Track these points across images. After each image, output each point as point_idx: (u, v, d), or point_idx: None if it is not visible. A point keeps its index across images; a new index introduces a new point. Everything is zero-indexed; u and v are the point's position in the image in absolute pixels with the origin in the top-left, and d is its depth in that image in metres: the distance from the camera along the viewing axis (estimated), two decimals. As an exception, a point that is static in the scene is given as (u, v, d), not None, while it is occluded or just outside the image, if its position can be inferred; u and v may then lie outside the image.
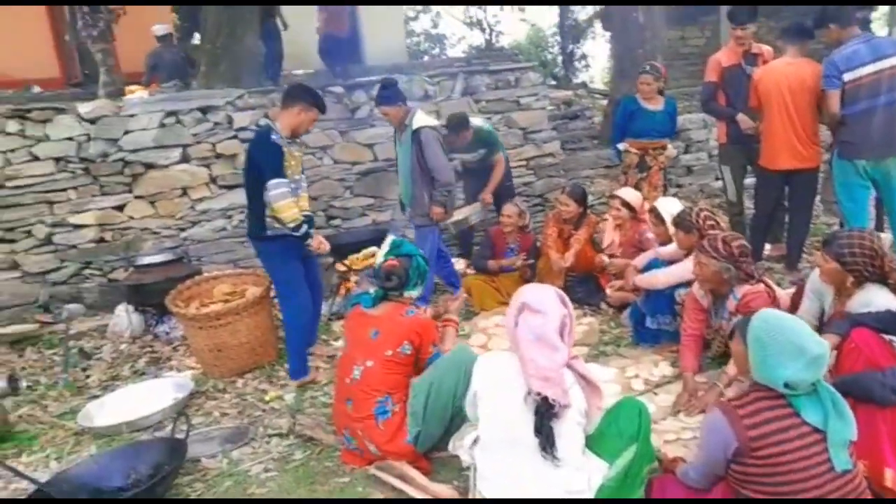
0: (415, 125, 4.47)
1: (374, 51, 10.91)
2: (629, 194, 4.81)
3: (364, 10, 11.11)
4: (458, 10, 21.11)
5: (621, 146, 5.61)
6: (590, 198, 5.67)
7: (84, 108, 5.41)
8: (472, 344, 4.14)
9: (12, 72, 9.55)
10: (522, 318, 2.28)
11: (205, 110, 5.69)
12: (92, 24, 7.22)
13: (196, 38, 10.00)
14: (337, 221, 6.24)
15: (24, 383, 4.11)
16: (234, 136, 5.76)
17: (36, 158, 5.28)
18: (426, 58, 17.81)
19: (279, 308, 4.15)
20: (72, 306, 5.01)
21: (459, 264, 6.01)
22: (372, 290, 3.00)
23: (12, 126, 5.19)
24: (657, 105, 5.46)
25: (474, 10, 21.48)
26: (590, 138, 8.19)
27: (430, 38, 19.86)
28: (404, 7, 15.29)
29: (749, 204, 5.58)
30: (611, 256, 4.76)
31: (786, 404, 1.93)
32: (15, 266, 5.34)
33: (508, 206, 5.13)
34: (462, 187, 5.91)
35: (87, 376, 4.30)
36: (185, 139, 5.64)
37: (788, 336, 1.94)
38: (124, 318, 4.88)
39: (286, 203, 3.60)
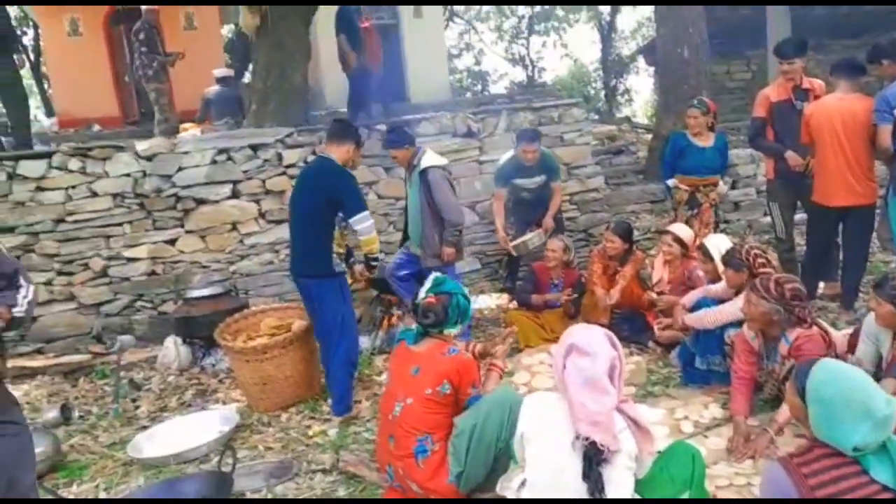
0: (423, 165, 4.53)
1: (418, 88, 11.15)
2: (681, 230, 4.73)
3: (408, 48, 11.41)
4: (501, 46, 21.41)
5: (671, 183, 5.53)
6: (635, 233, 5.61)
7: (141, 145, 5.63)
8: (515, 382, 4.10)
9: (75, 111, 10.06)
10: (570, 360, 2.23)
11: (255, 148, 5.85)
12: (147, 65, 7.57)
13: (246, 78, 10.41)
14: (380, 255, 6.28)
15: (76, 413, 4.25)
16: (283, 173, 5.90)
17: (95, 194, 5.50)
18: (469, 94, 18.06)
19: (325, 345, 4.14)
20: (123, 338, 5.16)
21: (502, 299, 6.02)
22: (414, 327, 3.01)
23: (74, 164, 5.43)
24: (707, 141, 5.38)
25: (517, 47, 21.78)
26: (635, 173, 8.14)
27: (473, 74, 20.16)
28: (447, 44, 15.57)
29: (799, 241, 5.43)
30: (659, 294, 4.67)
31: (852, 462, 1.82)
32: (71, 298, 5.53)
33: (553, 241, 5.11)
34: (514, 215, 5.88)
35: (137, 407, 4.38)
36: (236, 175, 5.80)
37: (853, 396, 1.79)
38: (172, 349, 4.99)
39: (375, 234, 3.80)
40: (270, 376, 3.99)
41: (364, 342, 4.84)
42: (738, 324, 3.51)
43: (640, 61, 19.80)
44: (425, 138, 6.25)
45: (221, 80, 8.65)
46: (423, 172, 4.51)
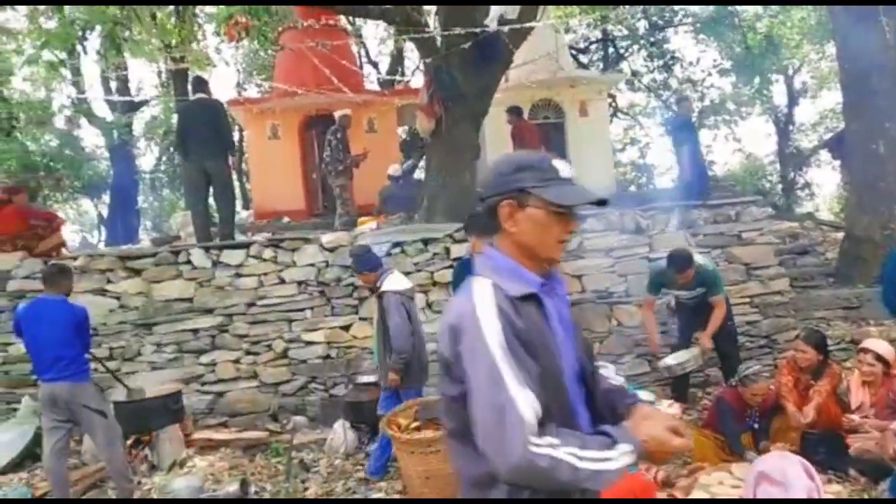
0: (382, 288, 4.48)
1: (582, 183, 11.19)
2: (881, 346, 4.18)
3: (572, 144, 11.59)
4: (668, 139, 21.10)
5: None
6: (828, 343, 5.03)
7: (326, 238, 6.12)
8: None
9: (268, 204, 11.24)
10: (761, 489, 2.01)
11: (426, 241, 6.13)
12: (339, 161, 8.36)
13: (418, 174, 11.10)
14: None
15: (253, 489, 4.47)
16: (450, 266, 6.09)
17: (283, 281, 6.02)
18: (632, 188, 17.83)
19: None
20: (297, 418, 5.46)
21: (674, 407, 5.60)
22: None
23: (268, 253, 6.02)
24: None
25: (683, 141, 21.33)
26: (824, 276, 7.43)
27: (638, 167, 19.95)
28: (611, 137, 15.58)
29: None
30: (863, 418, 4.10)
31: None
32: (254, 376, 5.98)
33: (759, 385, 4.29)
34: (677, 325, 5.59)
35: (306, 489, 4.54)
36: (408, 267, 6.07)
37: None
38: (341, 434, 5.15)
39: None
40: (435, 470, 3.96)
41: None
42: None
43: (823, 155, 18.52)
44: (591, 234, 6.20)
45: (394, 178, 9.28)
46: (381, 295, 4.49)
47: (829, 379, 4.32)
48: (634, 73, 19.91)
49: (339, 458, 5.01)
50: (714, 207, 6.46)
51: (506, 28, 6.66)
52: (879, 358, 4.11)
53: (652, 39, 19.30)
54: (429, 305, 6.10)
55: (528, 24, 6.95)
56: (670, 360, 5.24)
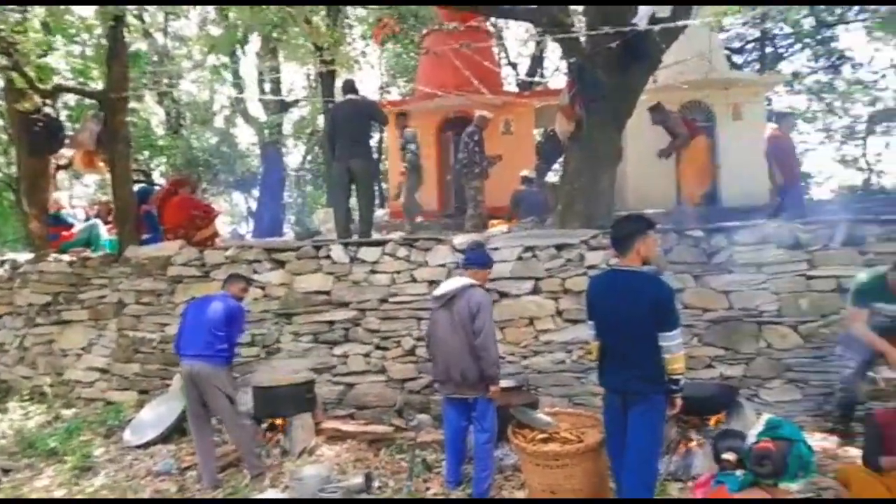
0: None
1: (732, 191, 10.47)
2: None
3: (723, 150, 10.85)
4: (830, 146, 19.36)
5: None
6: None
7: (458, 239, 6.11)
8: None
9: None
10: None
11: (560, 247, 5.94)
12: (477, 163, 8.36)
13: (551, 177, 10.86)
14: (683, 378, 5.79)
15: (376, 483, 4.54)
16: (584, 273, 5.86)
17: (414, 280, 6.08)
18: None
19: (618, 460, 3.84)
20: (422, 416, 5.48)
21: (830, 441, 5.03)
22: (739, 472, 2.58)
23: (402, 251, 6.11)
24: None
25: (850, 148, 19.52)
26: None
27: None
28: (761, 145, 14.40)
29: None
30: None
31: None
32: (383, 371, 6.09)
33: None
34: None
35: (427, 489, 4.53)
36: (539, 272, 5.93)
37: None
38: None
39: (683, 352, 3.43)
40: (559, 485, 3.82)
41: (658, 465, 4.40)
42: None
43: None
44: (742, 248, 5.73)
45: (526, 181, 9.13)
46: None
47: None
48: (795, 74, 18.35)
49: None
50: (887, 223, 5.73)
51: (656, 27, 6.31)
52: None
53: (818, 38, 17.68)
54: (559, 313, 5.90)
55: (681, 23, 6.54)
56: (885, 371, 4.67)
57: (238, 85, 18.73)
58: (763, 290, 5.68)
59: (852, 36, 22.31)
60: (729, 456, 3.52)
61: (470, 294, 4.30)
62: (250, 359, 6.33)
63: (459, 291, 4.31)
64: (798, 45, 18.47)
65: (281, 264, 6.44)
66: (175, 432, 5.80)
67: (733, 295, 5.72)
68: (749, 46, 19.22)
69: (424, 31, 12.02)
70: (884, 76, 17.52)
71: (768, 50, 18.94)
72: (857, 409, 5.03)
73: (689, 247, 5.77)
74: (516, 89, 16.70)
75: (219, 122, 20.73)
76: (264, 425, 5.53)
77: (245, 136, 21.87)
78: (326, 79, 14.27)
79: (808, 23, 17.59)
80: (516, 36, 20.45)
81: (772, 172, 8.05)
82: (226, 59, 16.13)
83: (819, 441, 5.10)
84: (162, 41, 18.25)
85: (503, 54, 19.37)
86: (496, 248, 6.01)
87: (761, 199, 9.65)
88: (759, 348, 5.64)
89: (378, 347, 6.14)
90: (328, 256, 6.32)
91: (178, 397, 5.86)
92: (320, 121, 18.27)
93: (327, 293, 6.25)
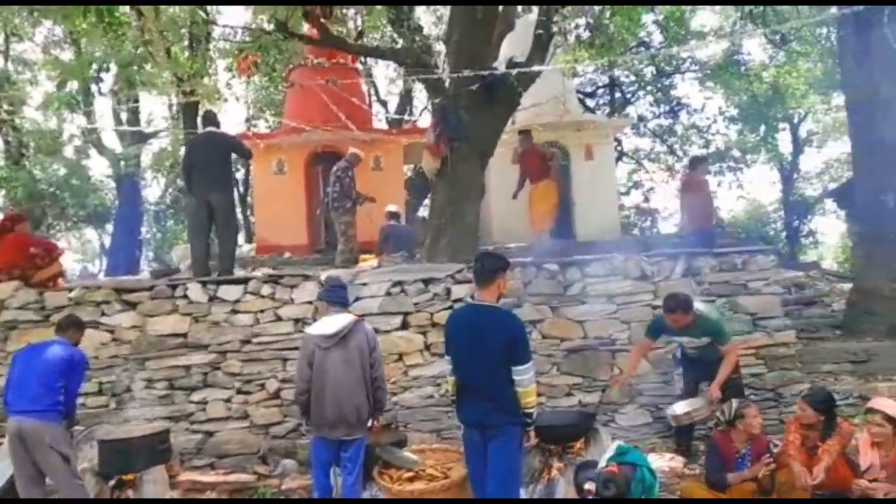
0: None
1: (585, 226, 11.14)
2: (889, 406, 4.03)
3: (576, 187, 11.55)
4: (673, 185, 21.13)
5: None
6: (836, 397, 4.86)
7: (325, 275, 6.01)
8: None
9: (271, 238, 11.21)
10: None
11: (427, 282, 6.02)
12: (348, 197, 8.35)
13: (420, 213, 11.06)
14: (541, 399, 6.01)
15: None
16: (450, 307, 5.95)
17: (279, 319, 5.90)
18: (635, 231, 17.76)
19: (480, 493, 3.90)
20: (286, 462, 5.29)
21: (676, 461, 5.41)
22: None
23: (266, 290, 5.91)
24: None
25: (688, 186, 21.36)
26: (830, 328, 7.28)
27: (642, 211, 19.89)
28: (616, 181, 15.52)
29: None
30: (871, 481, 3.93)
31: None
32: (245, 416, 5.82)
33: (752, 409, 4.47)
34: (682, 374, 5.45)
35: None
36: (407, 307, 5.96)
37: None
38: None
39: (535, 385, 3.57)
40: (426, 524, 3.80)
41: (521, 494, 4.51)
42: None
43: (828, 202, 18.47)
44: (594, 279, 6.10)
45: (392, 216, 9.22)
46: None
47: (839, 438, 4.16)
48: (640, 118, 20.03)
49: (328, 506, 4.82)
50: (720, 255, 6.36)
51: (514, 71, 6.69)
52: (889, 418, 3.95)
53: (658, 85, 19.47)
54: (427, 347, 5.96)
55: (536, 68, 6.97)
56: (678, 407, 5.12)
57: (89, 115, 17.49)
58: (614, 320, 6.07)
59: (687, 85, 24.69)
60: (590, 486, 3.72)
61: (363, 328, 4.29)
62: (99, 409, 5.80)
63: (352, 327, 4.24)
64: (642, 92, 20.22)
65: (133, 305, 6.00)
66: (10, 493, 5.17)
67: (588, 324, 6.05)
68: (600, 91, 20.75)
69: (291, 66, 11.91)
70: (715, 121, 19.61)
71: (617, 95, 20.55)
72: (694, 430, 5.44)
73: (545, 279, 6.05)
74: (386, 126, 16.91)
75: (68, 152, 19.17)
76: (112, 482, 5.06)
77: (99, 168, 20.42)
78: (189, 110, 13.70)
79: (649, 71, 19.35)
80: (386, 74, 20.79)
81: (683, 212, 8.46)
82: (76, 89, 15.03)
83: (667, 462, 5.47)
84: (2, 65, 16.79)
85: (373, 91, 19.58)
86: (365, 284, 5.99)
87: (612, 234, 10.37)
88: (614, 375, 5.98)
89: (240, 392, 5.85)
90: (185, 296, 5.98)
91: (5, 457, 5.24)
92: (182, 153, 17.45)
93: (184, 335, 5.90)
